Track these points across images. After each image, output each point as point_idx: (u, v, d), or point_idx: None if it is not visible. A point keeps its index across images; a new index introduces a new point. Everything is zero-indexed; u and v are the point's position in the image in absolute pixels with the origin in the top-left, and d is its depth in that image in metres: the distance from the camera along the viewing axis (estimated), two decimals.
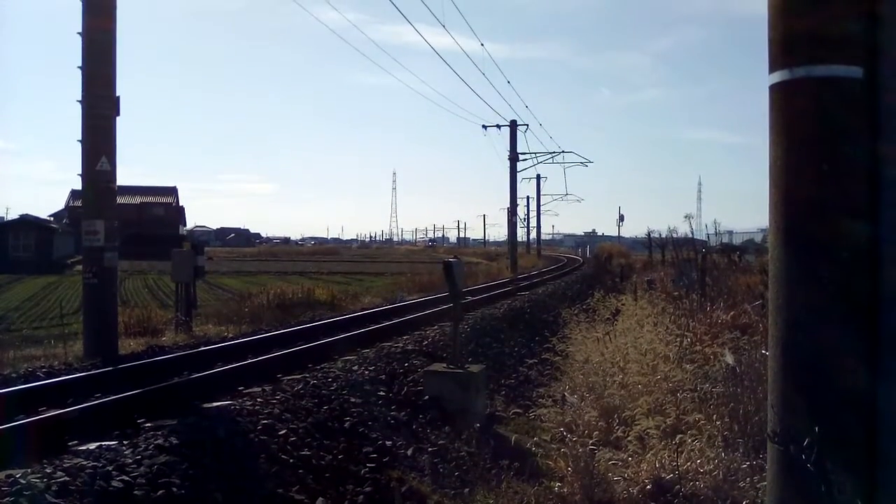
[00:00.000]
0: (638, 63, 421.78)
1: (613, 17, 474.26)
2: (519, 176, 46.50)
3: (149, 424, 6.84)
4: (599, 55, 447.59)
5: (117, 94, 12.16)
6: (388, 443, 7.83)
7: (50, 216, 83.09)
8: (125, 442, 6.16)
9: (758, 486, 5.31)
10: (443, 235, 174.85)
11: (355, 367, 10.25)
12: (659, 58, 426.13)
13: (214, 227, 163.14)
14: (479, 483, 6.88)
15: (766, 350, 3.17)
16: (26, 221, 70.43)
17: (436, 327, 14.84)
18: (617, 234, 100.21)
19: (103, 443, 6.15)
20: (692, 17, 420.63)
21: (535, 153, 53.08)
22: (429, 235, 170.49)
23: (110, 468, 5.36)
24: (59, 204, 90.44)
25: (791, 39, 2.93)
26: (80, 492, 4.92)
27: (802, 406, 2.84)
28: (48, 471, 5.14)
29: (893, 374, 2.79)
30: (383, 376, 10.05)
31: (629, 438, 7.02)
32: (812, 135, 2.87)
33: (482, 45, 29.98)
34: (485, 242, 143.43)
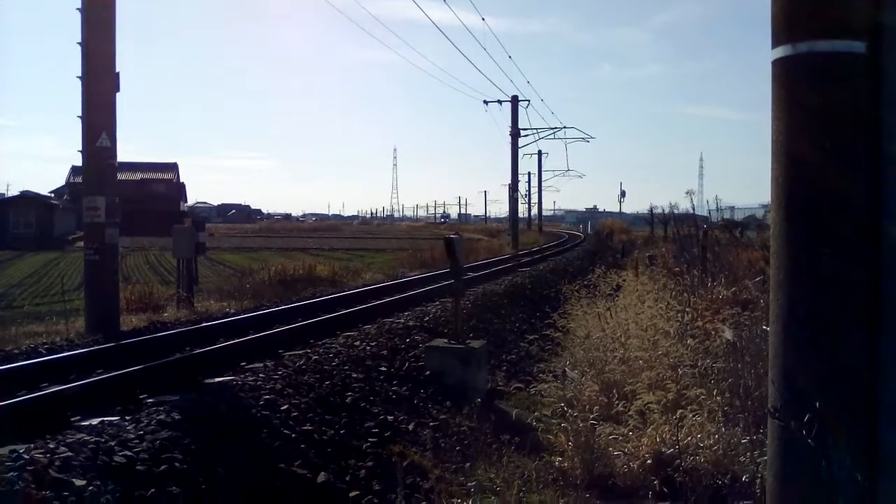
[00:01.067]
0: (638, 38, 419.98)
1: None
2: (520, 152, 46.45)
3: (151, 400, 6.86)
4: (600, 30, 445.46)
5: (117, 70, 12.10)
6: (390, 418, 7.87)
7: (50, 192, 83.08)
8: (127, 417, 6.19)
9: (758, 460, 5.33)
10: (444, 211, 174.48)
11: (357, 343, 10.28)
12: (659, 33, 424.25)
13: (215, 204, 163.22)
14: (480, 457, 6.92)
15: (767, 325, 3.17)
16: (27, 198, 70.45)
17: (437, 303, 14.86)
18: (618, 210, 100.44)
19: (106, 418, 6.17)
20: None
21: (536, 129, 53.14)
22: (438, 211, 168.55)
23: (113, 443, 5.38)
24: (60, 180, 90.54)
25: (793, 14, 2.91)
26: (82, 467, 4.94)
27: (803, 381, 2.84)
28: (51, 446, 5.17)
29: (894, 349, 2.79)
30: (385, 352, 10.07)
31: (630, 413, 7.05)
32: (814, 110, 2.86)
33: (483, 19, 29.75)
34: (486, 218, 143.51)
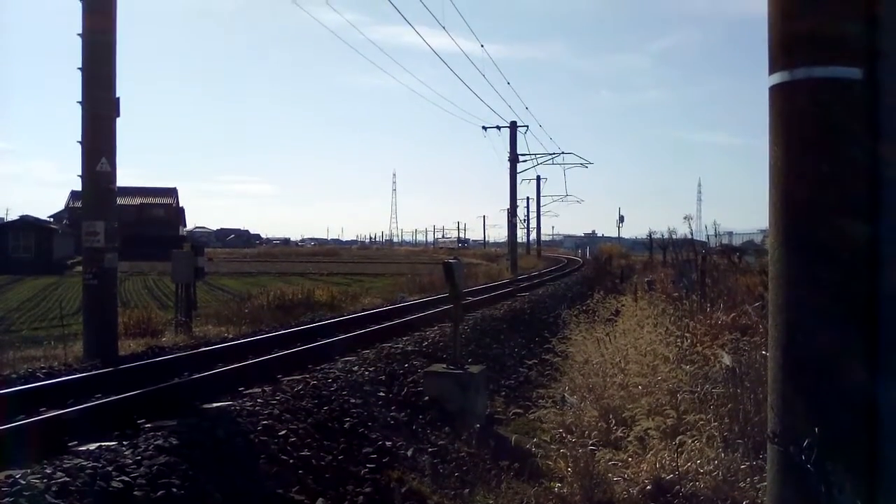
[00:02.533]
0: (637, 64, 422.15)
1: (612, 17, 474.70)
2: (519, 177, 46.61)
3: (149, 425, 6.83)
4: (599, 56, 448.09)
5: (117, 95, 12.15)
6: (388, 443, 7.83)
7: (50, 217, 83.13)
8: (125, 442, 6.16)
9: (758, 486, 5.31)
10: (443, 236, 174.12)
11: (355, 368, 10.25)
12: (658, 59, 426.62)
13: (214, 228, 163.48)
14: (479, 483, 6.89)
15: (766, 351, 3.17)
16: (26, 222, 70.43)
17: (436, 328, 14.83)
18: (617, 235, 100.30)
19: (103, 443, 6.14)
20: (691, 18, 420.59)
21: (535, 154, 53.18)
22: (447, 234, 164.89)
23: (110, 468, 5.36)
24: (59, 205, 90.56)
25: (791, 40, 2.94)
26: (79, 492, 4.92)
27: (802, 407, 2.84)
28: (48, 471, 5.14)
29: (893, 374, 2.79)
30: (383, 377, 10.05)
31: (629, 439, 7.03)
32: (812, 136, 2.88)
33: (482, 46, 29.98)
34: (485, 243, 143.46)
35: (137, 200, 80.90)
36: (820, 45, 2.85)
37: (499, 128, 43.93)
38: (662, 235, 32.53)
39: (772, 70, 2.99)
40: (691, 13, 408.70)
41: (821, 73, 2.84)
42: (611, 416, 7.80)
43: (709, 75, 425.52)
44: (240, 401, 7.97)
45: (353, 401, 8.67)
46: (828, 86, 2.85)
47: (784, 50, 2.95)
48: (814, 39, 2.87)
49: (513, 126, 43.64)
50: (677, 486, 5.81)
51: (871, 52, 2.85)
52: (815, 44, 2.86)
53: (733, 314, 11.88)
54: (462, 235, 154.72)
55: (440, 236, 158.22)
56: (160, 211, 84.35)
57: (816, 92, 2.86)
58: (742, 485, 5.67)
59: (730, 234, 28.89)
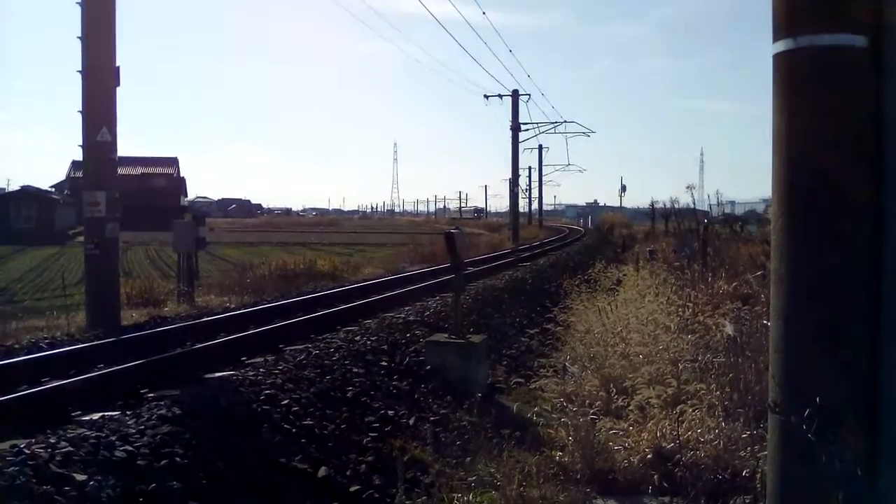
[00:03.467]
0: (639, 32, 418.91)
1: None
2: (521, 146, 46.43)
3: (151, 395, 6.87)
4: (600, 24, 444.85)
5: (117, 65, 12.09)
6: (391, 412, 7.87)
7: (51, 187, 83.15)
8: (128, 412, 6.19)
9: (758, 455, 5.33)
10: (476, 206, 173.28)
11: (357, 338, 10.27)
12: (659, 26, 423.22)
13: (216, 198, 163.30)
14: (481, 452, 6.91)
15: (768, 320, 3.17)
16: (27, 193, 70.49)
17: (437, 298, 14.85)
18: (619, 205, 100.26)
19: (106, 413, 6.17)
20: None
21: (536, 123, 52.81)
22: (473, 205, 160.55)
23: (113, 438, 5.38)
24: (60, 175, 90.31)
25: (795, 8, 2.90)
26: (83, 461, 4.95)
27: (803, 377, 2.84)
28: (52, 441, 5.17)
29: (894, 345, 2.79)
30: (385, 346, 10.07)
31: (630, 408, 7.05)
32: (816, 104, 2.85)
33: (484, 13, 29.69)
34: (486, 213, 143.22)
35: (139, 170, 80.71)
36: (824, 13, 2.82)
37: (500, 96, 43.73)
38: (664, 205, 32.45)
39: (775, 38, 2.96)
40: None
41: (825, 41, 2.81)
42: (612, 386, 7.82)
43: (710, 43, 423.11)
44: (242, 370, 8.00)
45: (355, 370, 8.70)
46: (832, 54, 2.82)
47: (788, 17, 2.92)
48: (818, 7, 2.84)
49: (514, 94, 43.41)
50: (678, 455, 5.83)
51: (876, 20, 2.82)
52: (820, 11, 2.83)
53: (735, 283, 11.88)
54: (479, 205, 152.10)
55: (454, 206, 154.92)
56: (161, 181, 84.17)
57: (820, 60, 2.83)
58: (743, 454, 5.69)
59: (732, 203, 28.84)
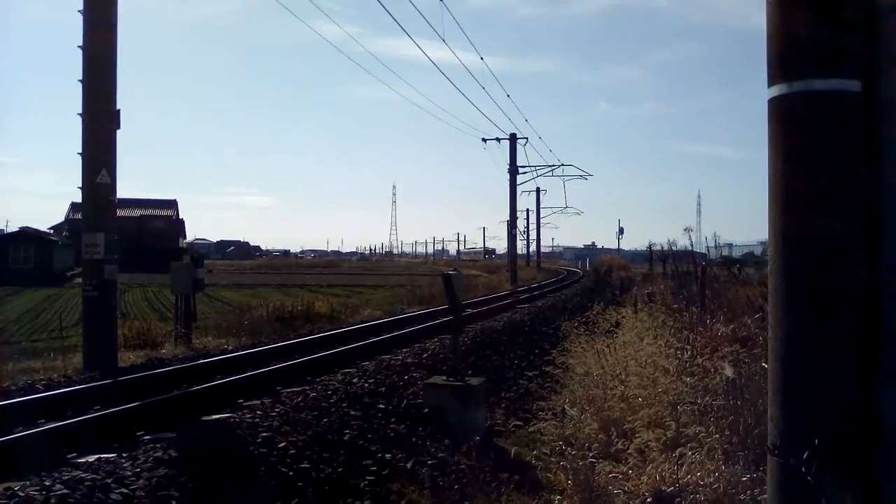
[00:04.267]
0: (635, 76, 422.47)
1: (609, 30, 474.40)
2: (519, 189, 46.72)
3: (148, 437, 6.83)
4: (597, 68, 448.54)
5: (117, 108, 12.20)
6: (388, 455, 7.81)
7: (50, 229, 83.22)
8: (124, 454, 6.15)
9: (758, 498, 5.29)
10: (443, 248, 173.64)
11: (355, 380, 10.24)
12: (656, 71, 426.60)
13: (214, 240, 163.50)
14: (479, 496, 6.86)
15: (766, 363, 3.17)
16: (26, 234, 70.54)
17: (435, 340, 14.82)
18: (617, 247, 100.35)
19: (102, 455, 6.14)
20: (688, 32, 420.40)
21: (534, 166, 53.16)
22: (472, 246, 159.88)
23: (109, 481, 5.35)
24: (59, 216, 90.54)
25: (789, 53, 2.95)
26: None
27: (802, 419, 2.84)
28: (47, 483, 5.13)
29: (893, 388, 2.79)
30: (383, 389, 10.03)
31: (629, 451, 7.01)
32: (811, 148, 2.89)
33: (482, 58, 30.08)
34: (485, 255, 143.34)
35: (137, 212, 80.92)
36: (819, 58, 2.87)
37: (498, 140, 44.08)
38: (662, 247, 32.54)
39: (771, 83, 3.00)
40: (688, 26, 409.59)
41: (820, 86, 2.85)
42: (611, 429, 7.78)
43: (706, 88, 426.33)
44: (239, 413, 7.96)
45: (352, 413, 8.66)
46: (826, 98, 2.86)
47: (783, 63, 2.96)
48: (812, 52, 2.88)
49: (512, 138, 43.75)
50: (678, 499, 5.79)
51: (869, 65, 2.87)
52: (814, 57, 2.88)
53: (733, 326, 11.86)
54: (489, 245, 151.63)
55: (459, 247, 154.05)
56: (160, 223, 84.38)
57: (815, 104, 2.87)
58: (743, 497, 5.65)
59: (730, 245, 28.85)
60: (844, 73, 2.85)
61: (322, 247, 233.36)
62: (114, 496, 5.14)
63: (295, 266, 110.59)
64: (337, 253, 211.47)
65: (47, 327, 25.90)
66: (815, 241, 2.85)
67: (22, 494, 4.80)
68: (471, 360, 12.99)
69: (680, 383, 8.54)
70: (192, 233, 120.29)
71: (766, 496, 3.30)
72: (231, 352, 13.36)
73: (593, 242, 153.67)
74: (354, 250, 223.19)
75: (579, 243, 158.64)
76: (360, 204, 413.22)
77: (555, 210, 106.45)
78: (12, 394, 9.00)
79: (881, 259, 2.84)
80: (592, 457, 6.93)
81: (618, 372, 9.46)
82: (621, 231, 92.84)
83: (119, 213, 13.47)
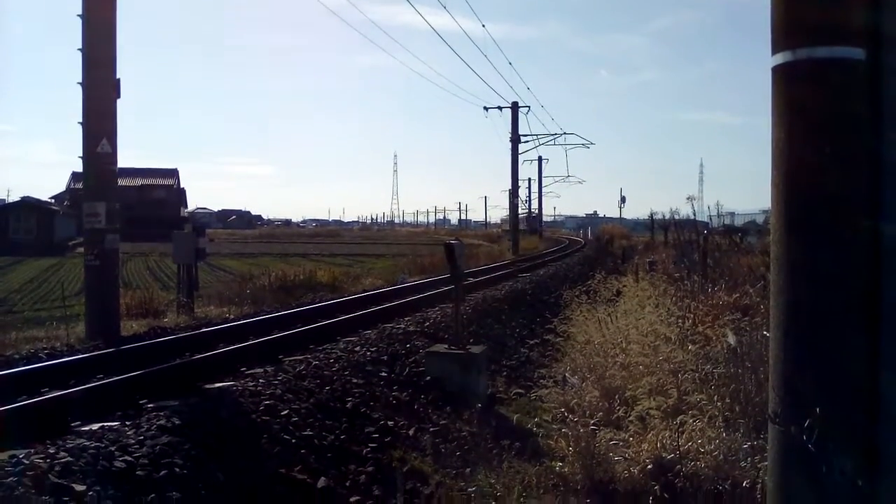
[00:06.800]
0: (636, 44, 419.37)
1: None
2: (520, 158, 46.61)
3: (151, 405, 6.85)
4: (597, 36, 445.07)
5: (118, 77, 12.13)
6: (390, 423, 7.86)
7: (51, 198, 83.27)
8: (127, 423, 6.18)
9: (758, 466, 5.33)
10: (444, 217, 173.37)
11: (357, 348, 10.27)
12: (657, 38, 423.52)
13: (216, 210, 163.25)
14: (481, 463, 6.91)
15: (768, 331, 3.17)
16: (27, 204, 70.60)
17: (437, 308, 14.85)
18: (618, 216, 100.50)
19: (106, 423, 6.16)
20: None
21: (536, 135, 53.02)
22: (439, 215, 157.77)
23: (113, 448, 5.38)
24: (60, 186, 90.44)
25: (793, 21, 2.91)
26: (82, 472, 4.94)
27: (803, 387, 2.84)
28: (51, 451, 5.16)
29: (894, 356, 2.79)
30: (385, 357, 10.07)
31: (630, 419, 7.04)
32: (814, 116, 2.86)
33: (483, 25, 29.88)
34: (486, 224, 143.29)
35: (138, 181, 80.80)
36: (822, 25, 2.83)
37: (500, 108, 43.94)
38: (664, 216, 32.52)
39: (774, 50, 2.96)
40: None
41: (823, 54, 2.82)
42: (613, 396, 7.82)
43: (707, 55, 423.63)
44: (242, 381, 7.98)
45: (354, 381, 8.70)
46: (830, 66, 2.83)
47: (786, 30, 2.93)
48: (816, 19, 2.84)
49: (514, 106, 43.56)
50: (678, 466, 5.83)
51: (874, 33, 2.83)
52: (818, 24, 2.84)
53: (735, 294, 11.89)
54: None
55: (500, 218, 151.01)
56: (161, 192, 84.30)
57: (819, 72, 2.84)
58: (743, 465, 5.69)
59: (732, 214, 28.83)
60: (849, 40, 2.82)
61: (323, 216, 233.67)
62: (117, 463, 5.17)
63: (296, 235, 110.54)
64: (338, 222, 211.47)
65: (49, 297, 25.97)
66: (818, 209, 2.83)
67: (27, 462, 4.83)
68: (472, 328, 13.03)
69: (681, 351, 8.57)
70: (194, 202, 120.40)
71: (766, 464, 3.31)
72: (233, 321, 13.39)
73: (595, 211, 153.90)
74: (356, 219, 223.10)
75: (581, 212, 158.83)
76: (361, 173, 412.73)
77: (556, 179, 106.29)
78: (15, 363, 9.03)
79: (884, 226, 2.83)
80: (593, 424, 6.97)
81: (619, 340, 9.49)
82: (623, 200, 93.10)
83: (120, 182, 13.45)
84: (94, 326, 11.87)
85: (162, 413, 6.38)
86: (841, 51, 2.81)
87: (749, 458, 5.68)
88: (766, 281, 9.05)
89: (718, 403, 6.78)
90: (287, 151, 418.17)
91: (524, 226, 73.66)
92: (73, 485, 4.74)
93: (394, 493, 5.82)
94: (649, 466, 6.14)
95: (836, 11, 2.82)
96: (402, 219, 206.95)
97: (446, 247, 10.38)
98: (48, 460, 4.95)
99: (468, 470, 6.84)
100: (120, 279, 13.47)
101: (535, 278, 24.43)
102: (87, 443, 5.43)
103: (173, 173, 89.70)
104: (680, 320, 10.29)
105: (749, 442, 5.90)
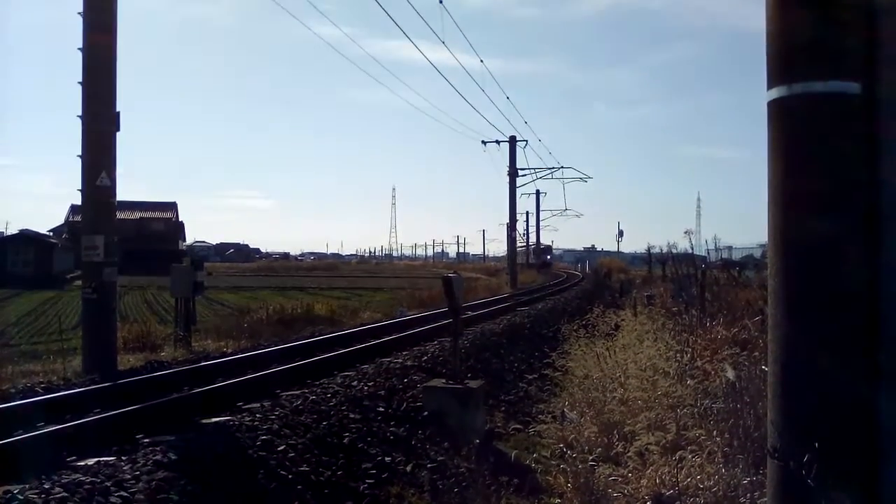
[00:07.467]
0: (633, 78, 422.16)
1: (606, 32, 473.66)
2: (518, 191, 46.86)
3: (147, 440, 6.82)
4: (594, 70, 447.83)
5: (117, 110, 12.20)
6: (387, 458, 7.81)
7: (49, 231, 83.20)
8: (123, 458, 6.14)
9: (758, 501, 5.29)
10: (443, 250, 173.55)
11: (354, 383, 10.23)
12: (654, 73, 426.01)
13: (214, 243, 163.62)
14: (479, 499, 6.85)
15: (766, 366, 3.17)
16: (26, 236, 70.50)
17: (435, 342, 14.81)
18: (616, 250, 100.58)
19: (102, 458, 6.13)
20: (686, 33, 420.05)
21: (534, 169, 53.25)
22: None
23: (108, 484, 5.34)
24: (59, 219, 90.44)
25: (789, 56, 2.95)
26: None
27: (802, 422, 2.83)
28: (46, 486, 5.13)
29: (893, 391, 2.79)
30: (382, 392, 10.02)
31: (629, 454, 7.00)
32: (811, 150, 2.89)
33: (481, 60, 30.09)
34: (484, 257, 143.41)
35: (137, 214, 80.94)
36: (818, 60, 2.87)
37: (498, 142, 44.21)
38: (662, 250, 32.55)
39: (770, 85, 3.00)
40: (686, 27, 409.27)
41: (819, 88, 2.85)
42: (612, 431, 7.78)
43: (705, 89, 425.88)
44: (239, 416, 7.95)
45: (352, 416, 8.65)
46: (826, 100, 2.86)
47: (782, 65, 2.96)
48: (812, 54, 2.88)
49: (512, 140, 43.83)
50: (677, 502, 5.78)
51: (869, 67, 2.87)
52: (814, 59, 2.87)
53: (733, 329, 11.86)
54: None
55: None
56: (160, 225, 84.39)
57: (815, 106, 2.87)
58: (742, 500, 5.64)
59: (729, 248, 28.88)
60: (844, 74, 2.85)
61: (322, 249, 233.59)
62: (113, 499, 5.13)
63: (294, 268, 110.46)
64: (337, 255, 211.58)
65: (47, 330, 25.86)
66: (814, 243, 2.85)
67: (21, 498, 4.79)
68: (470, 362, 12.98)
69: (680, 386, 8.54)
70: (192, 235, 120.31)
71: (765, 499, 3.30)
72: (230, 354, 13.35)
73: (593, 245, 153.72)
74: (354, 253, 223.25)
75: (579, 246, 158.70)
76: (360, 206, 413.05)
77: (554, 212, 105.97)
78: (12, 397, 8.99)
79: (880, 261, 2.84)
80: (592, 460, 6.93)
81: (617, 375, 9.46)
82: (621, 234, 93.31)
83: (119, 215, 13.47)
84: (92, 360, 11.82)
85: (158, 448, 6.35)
86: (837, 85, 2.84)
87: (749, 494, 5.63)
88: (764, 315, 9.04)
89: (717, 438, 6.74)
90: (286, 185, 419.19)
91: (533, 259, 73.69)
92: None
93: None
94: (648, 502, 6.10)
95: (831, 46, 2.86)
96: (400, 252, 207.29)
97: (444, 280, 10.38)
98: (43, 496, 4.92)
99: None
100: (117, 312, 13.43)
101: (534, 312, 24.39)
102: (83, 478, 5.40)
103: (172, 206, 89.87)
104: (678, 355, 10.26)
105: (749, 477, 5.85)
